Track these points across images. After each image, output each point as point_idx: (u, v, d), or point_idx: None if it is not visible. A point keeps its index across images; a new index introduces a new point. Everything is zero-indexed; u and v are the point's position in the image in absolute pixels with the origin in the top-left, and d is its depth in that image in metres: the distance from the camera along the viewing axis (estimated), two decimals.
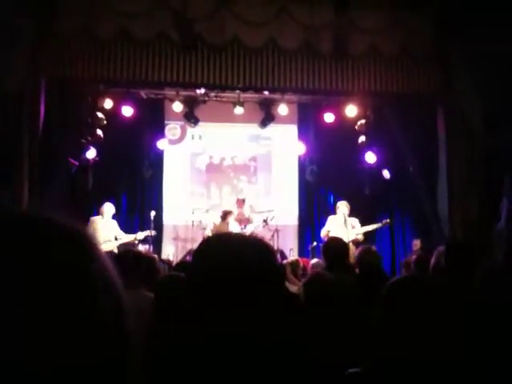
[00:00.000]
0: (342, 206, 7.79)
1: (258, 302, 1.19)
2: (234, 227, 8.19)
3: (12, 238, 0.55)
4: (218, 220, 8.33)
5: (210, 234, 8.29)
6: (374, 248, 4.85)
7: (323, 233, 7.73)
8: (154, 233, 8.10)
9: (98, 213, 7.96)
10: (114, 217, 7.95)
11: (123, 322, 0.61)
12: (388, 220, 8.02)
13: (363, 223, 7.91)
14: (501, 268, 2.61)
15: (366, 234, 7.90)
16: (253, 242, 1.33)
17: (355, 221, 7.82)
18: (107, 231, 7.53)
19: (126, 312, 0.62)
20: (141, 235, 7.85)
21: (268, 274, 1.25)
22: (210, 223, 8.50)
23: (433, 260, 3.73)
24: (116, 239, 7.58)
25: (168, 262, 7.75)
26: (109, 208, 7.87)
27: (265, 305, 1.20)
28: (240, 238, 1.37)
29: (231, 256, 1.23)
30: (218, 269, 1.20)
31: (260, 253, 1.27)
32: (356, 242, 7.43)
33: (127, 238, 7.72)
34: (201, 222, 8.90)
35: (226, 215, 8.25)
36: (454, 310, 1.75)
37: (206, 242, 1.35)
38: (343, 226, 7.56)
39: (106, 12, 6.91)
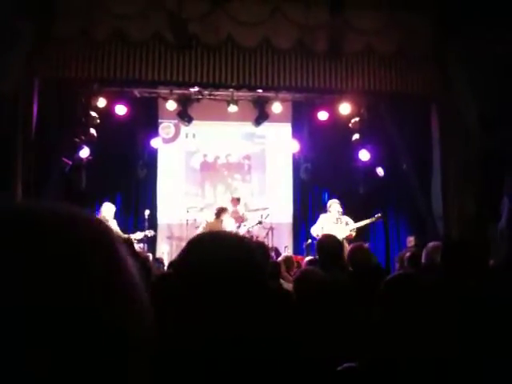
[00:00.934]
0: (335, 205, 7.81)
1: (249, 300, 1.19)
2: (229, 224, 8.19)
3: (5, 230, 0.55)
4: (211, 218, 8.33)
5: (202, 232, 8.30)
6: (365, 245, 4.86)
7: (315, 231, 7.69)
8: (152, 233, 8.11)
9: (91, 212, 7.88)
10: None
11: (127, 317, 0.59)
12: (380, 214, 7.99)
13: (357, 221, 7.93)
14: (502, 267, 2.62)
15: (359, 231, 7.89)
16: (244, 241, 1.33)
17: (348, 219, 7.83)
18: None
19: (132, 305, 0.60)
20: (139, 235, 7.82)
21: (259, 272, 1.26)
22: (203, 221, 8.51)
23: (424, 257, 3.75)
24: None
25: (162, 261, 7.75)
26: (107, 208, 7.77)
27: (256, 303, 1.21)
28: (230, 237, 1.36)
29: (222, 255, 1.23)
30: (208, 268, 1.20)
31: (250, 251, 1.27)
32: (349, 239, 7.45)
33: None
34: (195, 220, 8.91)
35: (219, 213, 8.25)
36: (450, 307, 1.77)
37: (196, 241, 1.34)
38: (336, 223, 7.59)
39: (101, 14, 6.90)
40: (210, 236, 1.40)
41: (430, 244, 3.82)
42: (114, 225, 7.68)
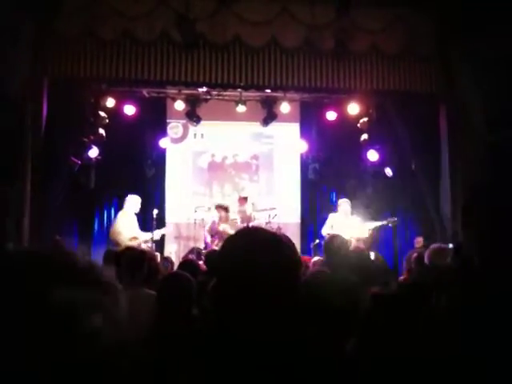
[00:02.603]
0: (344, 204, 7.80)
1: (279, 303, 1.19)
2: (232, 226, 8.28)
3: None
4: (216, 217, 8.44)
5: (208, 230, 8.39)
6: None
7: (325, 231, 7.70)
8: (165, 230, 8.27)
9: (99, 212, 7.91)
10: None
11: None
12: (395, 218, 7.82)
13: (365, 221, 7.89)
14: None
15: (372, 232, 7.82)
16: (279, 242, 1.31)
17: (359, 219, 7.80)
18: (132, 227, 7.39)
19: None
20: (157, 235, 7.85)
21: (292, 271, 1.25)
22: (209, 221, 8.60)
23: (426, 258, 3.74)
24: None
25: (170, 260, 7.77)
26: (133, 200, 7.67)
27: (284, 305, 1.20)
28: (266, 238, 1.34)
29: (255, 256, 1.22)
30: (245, 268, 1.20)
31: (285, 253, 1.26)
32: (360, 240, 7.42)
33: (144, 236, 7.63)
34: (203, 220, 8.93)
35: (217, 209, 8.44)
36: (455, 309, 1.75)
37: (233, 239, 1.34)
38: (344, 223, 7.57)
39: (108, 13, 6.93)
40: (245, 235, 1.38)
41: (432, 246, 3.81)
42: (134, 221, 7.62)
